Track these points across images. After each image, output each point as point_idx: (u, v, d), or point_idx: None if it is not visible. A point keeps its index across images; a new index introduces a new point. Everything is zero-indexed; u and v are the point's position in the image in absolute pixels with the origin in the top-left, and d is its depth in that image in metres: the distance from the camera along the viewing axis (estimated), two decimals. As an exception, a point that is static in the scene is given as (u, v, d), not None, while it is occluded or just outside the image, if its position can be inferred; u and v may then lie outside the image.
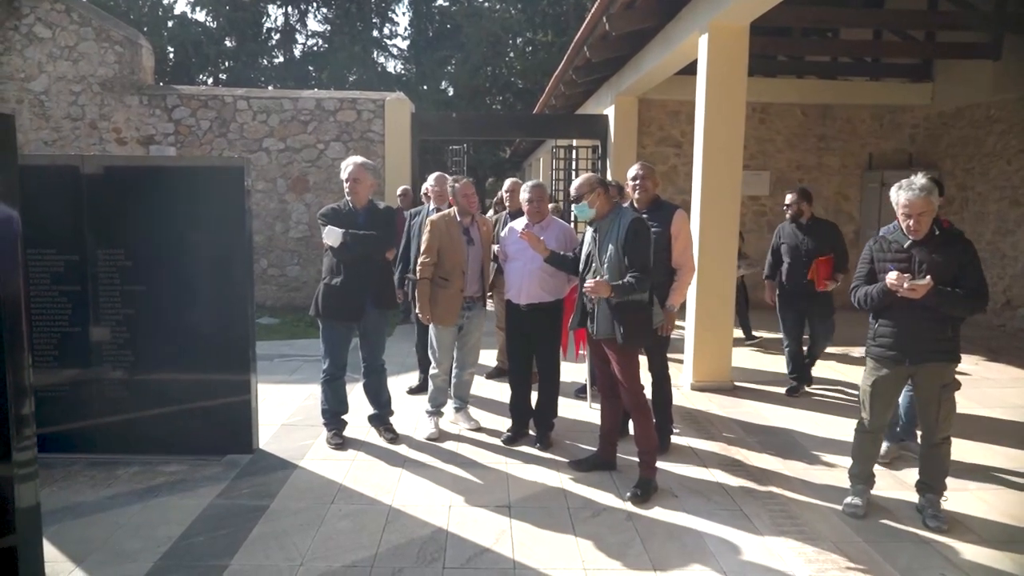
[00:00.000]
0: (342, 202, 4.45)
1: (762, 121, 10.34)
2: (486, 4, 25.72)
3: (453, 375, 4.89)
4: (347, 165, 4.39)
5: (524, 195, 4.47)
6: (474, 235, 4.62)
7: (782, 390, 5.85)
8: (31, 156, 5.60)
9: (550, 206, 4.70)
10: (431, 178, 5.66)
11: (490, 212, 7.08)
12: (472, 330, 4.76)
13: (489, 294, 5.16)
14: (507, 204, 5.92)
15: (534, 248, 4.14)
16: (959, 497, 3.82)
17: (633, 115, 9.95)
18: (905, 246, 3.42)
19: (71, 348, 4.17)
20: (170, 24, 22.52)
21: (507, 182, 5.96)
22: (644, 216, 4.34)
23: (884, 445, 4.25)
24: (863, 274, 3.60)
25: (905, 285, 3.26)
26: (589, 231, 3.93)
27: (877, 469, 3.82)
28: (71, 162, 4.28)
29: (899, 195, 3.36)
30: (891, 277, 3.32)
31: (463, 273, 4.53)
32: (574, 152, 11.38)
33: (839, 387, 6.01)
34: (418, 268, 4.55)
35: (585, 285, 3.81)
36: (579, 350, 5.14)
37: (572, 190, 3.89)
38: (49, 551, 3.01)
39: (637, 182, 4.40)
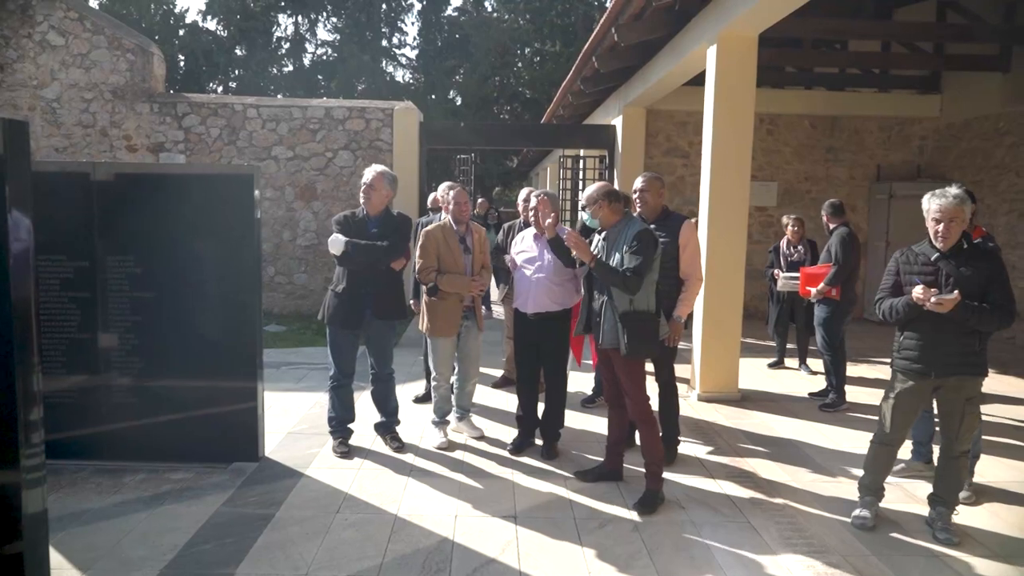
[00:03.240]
0: (357, 209, 4.45)
1: (770, 132, 10.35)
2: (495, 14, 25.88)
3: (455, 386, 4.88)
4: (367, 172, 4.40)
5: (532, 203, 4.47)
6: (469, 243, 4.61)
7: (789, 402, 5.81)
8: (42, 163, 5.63)
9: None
10: (443, 187, 5.59)
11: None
12: (470, 340, 4.73)
13: (494, 298, 5.11)
14: (521, 213, 5.90)
15: (581, 256, 3.81)
16: (970, 511, 3.80)
17: (641, 125, 9.97)
18: (932, 259, 3.35)
19: (80, 354, 4.18)
20: (181, 33, 22.78)
21: (523, 191, 5.95)
22: (652, 227, 4.35)
23: (907, 460, 4.25)
24: (888, 286, 3.52)
25: (932, 300, 3.21)
26: (598, 238, 3.94)
27: (888, 481, 3.78)
28: (82, 169, 4.31)
29: (931, 202, 3.32)
30: (917, 291, 3.26)
31: None
32: (581, 162, 11.41)
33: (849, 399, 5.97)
34: (419, 276, 4.50)
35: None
36: (590, 358, 5.11)
37: (581, 198, 3.89)
38: (55, 558, 3.01)
39: (636, 195, 4.41)
